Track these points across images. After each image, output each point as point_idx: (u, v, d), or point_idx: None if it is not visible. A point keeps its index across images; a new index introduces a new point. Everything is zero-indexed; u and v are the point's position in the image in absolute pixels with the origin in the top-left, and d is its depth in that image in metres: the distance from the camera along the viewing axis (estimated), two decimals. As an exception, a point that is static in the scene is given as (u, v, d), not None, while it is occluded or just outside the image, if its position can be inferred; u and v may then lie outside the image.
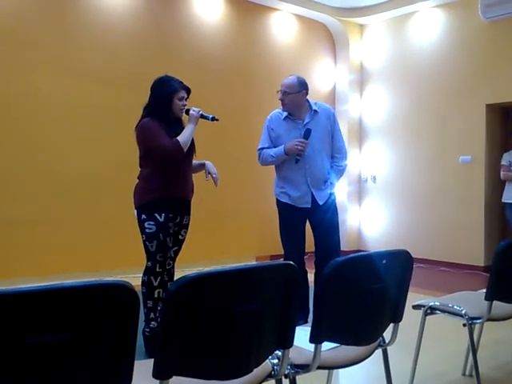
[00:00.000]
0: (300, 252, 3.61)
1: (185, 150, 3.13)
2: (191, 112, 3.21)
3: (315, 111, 3.61)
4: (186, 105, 3.22)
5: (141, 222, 3.17)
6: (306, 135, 3.49)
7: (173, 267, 3.34)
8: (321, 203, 3.56)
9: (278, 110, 3.68)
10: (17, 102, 5.06)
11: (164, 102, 3.17)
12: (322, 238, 3.60)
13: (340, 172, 3.69)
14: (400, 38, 7.18)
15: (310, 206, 3.55)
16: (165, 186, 3.16)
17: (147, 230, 3.14)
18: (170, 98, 3.16)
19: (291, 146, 3.47)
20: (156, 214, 3.13)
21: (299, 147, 3.44)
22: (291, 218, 3.61)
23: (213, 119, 3.27)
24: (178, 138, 3.11)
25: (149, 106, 3.23)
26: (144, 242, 3.17)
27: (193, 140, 3.32)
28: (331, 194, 3.64)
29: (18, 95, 5.07)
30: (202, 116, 3.24)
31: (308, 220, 3.66)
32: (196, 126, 3.22)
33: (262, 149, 3.64)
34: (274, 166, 3.73)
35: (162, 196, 3.16)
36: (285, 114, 3.60)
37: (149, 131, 3.14)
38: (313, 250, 3.70)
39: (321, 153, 3.58)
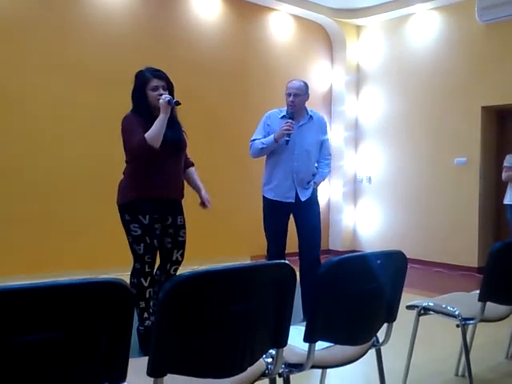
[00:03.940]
0: (282, 247, 3.82)
1: (155, 144, 2.93)
2: (160, 101, 2.97)
3: (311, 116, 3.88)
4: (162, 94, 3.02)
5: (125, 222, 3.08)
6: (290, 116, 3.72)
7: (175, 273, 3.22)
8: (303, 199, 3.80)
9: (276, 110, 3.92)
10: (14, 100, 5.04)
11: (139, 96, 3.08)
12: (304, 236, 3.85)
13: (324, 176, 3.97)
14: (397, 39, 7.19)
15: (293, 201, 3.79)
16: (148, 185, 3.06)
17: (133, 233, 3.05)
18: (143, 89, 3.06)
19: (279, 130, 3.68)
20: (140, 217, 3.03)
21: (286, 127, 3.64)
22: (275, 213, 3.84)
23: (176, 103, 3.03)
24: (146, 133, 2.93)
25: (131, 101, 3.15)
26: (131, 243, 3.09)
27: (183, 137, 3.19)
28: (313, 193, 3.87)
29: (15, 93, 5.05)
30: (168, 102, 2.99)
31: (293, 217, 3.89)
32: (167, 114, 2.97)
33: (254, 140, 3.85)
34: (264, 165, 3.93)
35: (145, 195, 3.05)
36: (282, 113, 3.81)
37: (124, 127, 3.05)
38: (296, 250, 3.87)
39: (309, 154, 3.84)
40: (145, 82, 3.06)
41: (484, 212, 6.41)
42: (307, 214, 3.82)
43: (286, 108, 3.80)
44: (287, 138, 3.66)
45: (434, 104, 6.76)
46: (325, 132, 3.96)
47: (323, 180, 3.98)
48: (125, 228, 3.11)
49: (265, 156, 3.90)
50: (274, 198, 3.81)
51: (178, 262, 3.24)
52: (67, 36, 5.34)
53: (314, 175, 3.87)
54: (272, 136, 3.70)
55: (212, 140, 6.26)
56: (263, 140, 3.76)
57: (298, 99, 3.75)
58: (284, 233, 3.84)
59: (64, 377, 1.25)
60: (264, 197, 3.90)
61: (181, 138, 3.18)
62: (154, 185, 3.07)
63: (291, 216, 3.89)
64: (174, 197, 3.20)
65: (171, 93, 3.11)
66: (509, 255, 2.53)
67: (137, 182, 3.09)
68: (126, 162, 3.18)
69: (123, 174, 3.20)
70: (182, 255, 3.26)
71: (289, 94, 3.76)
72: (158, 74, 3.09)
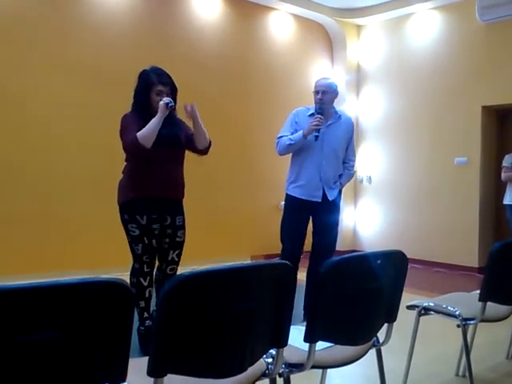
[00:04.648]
0: (298, 248, 3.75)
1: (146, 144, 2.92)
2: (160, 103, 2.99)
3: (340, 116, 3.85)
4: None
5: (124, 222, 3.09)
6: (319, 112, 3.67)
7: (175, 272, 3.23)
8: (331, 199, 3.75)
9: (303, 107, 3.90)
10: (11, 100, 5.04)
11: (141, 97, 3.08)
12: (321, 237, 3.79)
13: (349, 177, 3.95)
14: (397, 39, 7.19)
15: (320, 201, 3.73)
16: (146, 184, 3.05)
17: (131, 233, 3.07)
18: (147, 92, 3.06)
19: (308, 127, 3.64)
20: (138, 217, 3.04)
21: (315, 123, 3.60)
22: (298, 211, 3.77)
23: (170, 107, 3.02)
24: (139, 132, 2.94)
25: (133, 100, 3.15)
26: (130, 243, 3.11)
27: (179, 135, 3.16)
28: (338, 195, 3.84)
29: (16, 93, 5.04)
30: (167, 105, 3.00)
31: (312, 216, 3.81)
32: (163, 116, 2.98)
33: (282, 137, 3.79)
34: (289, 163, 3.88)
35: (144, 194, 3.05)
36: (310, 111, 3.78)
37: (122, 125, 3.05)
38: (307, 249, 3.80)
39: (336, 154, 3.80)
40: (150, 85, 3.06)
41: (484, 212, 6.40)
42: (329, 215, 3.77)
43: (313, 106, 3.77)
44: (316, 134, 3.62)
45: (434, 103, 6.76)
46: (352, 133, 3.94)
47: (348, 182, 3.97)
48: (124, 227, 3.12)
49: (288, 154, 3.86)
50: (300, 197, 3.75)
51: (175, 262, 3.23)
52: (67, 36, 5.34)
53: (340, 176, 3.85)
54: (300, 132, 3.67)
55: (213, 139, 6.24)
56: (291, 136, 3.72)
57: (326, 97, 3.72)
58: (303, 233, 3.77)
59: (64, 377, 1.24)
60: (288, 195, 3.84)
61: (178, 135, 3.15)
62: (152, 184, 3.06)
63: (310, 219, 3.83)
64: (173, 196, 3.19)
65: (174, 97, 3.13)
66: (509, 255, 2.53)
67: (135, 181, 3.09)
68: (126, 160, 3.18)
69: (122, 172, 3.20)
70: (179, 255, 3.24)
71: (317, 92, 3.74)
72: (164, 79, 3.08)
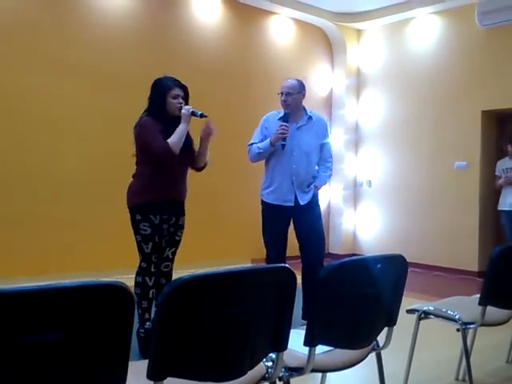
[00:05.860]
0: (281, 252, 3.73)
1: (176, 151, 3.07)
2: (182, 111, 3.14)
3: (310, 117, 3.78)
4: (182, 103, 3.17)
5: (135, 222, 3.14)
6: (284, 119, 3.62)
7: (171, 269, 3.31)
8: (302, 203, 3.69)
9: (274, 111, 3.83)
10: (13, 101, 5.05)
11: (158, 102, 3.16)
12: (304, 242, 3.75)
13: (325, 179, 3.85)
14: (397, 43, 7.21)
15: (292, 205, 3.68)
16: (160, 188, 3.13)
17: (142, 232, 3.12)
18: (164, 97, 3.15)
19: (274, 135, 3.60)
20: (151, 216, 3.11)
21: (280, 131, 3.56)
22: (274, 217, 3.74)
23: (201, 116, 3.16)
24: (169, 139, 3.06)
25: (148, 106, 3.24)
26: (139, 242, 3.16)
27: (191, 141, 3.27)
28: (314, 197, 3.75)
29: (16, 94, 5.05)
30: (192, 113, 3.15)
31: (292, 219, 3.76)
32: (188, 124, 3.15)
33: (252, 144, 3.77)
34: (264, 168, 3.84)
35: (157, 198, 3.13)
36: (280, 114, 3.71)
37: (144, 130, 3.12)
38: (297, 253, 3.80)
39: (308, 156, 3.72)
40: (167, 89, 3.16)
41: (484, 216, 6.40)
42: (307, 218, 3.71)
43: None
44: (283, 142, 3.58)
45: (434, 108, 6.77)
46: (325, 134, 3.83)
47: (324, 184, 3.87)
48: (134, 228, 3.16)
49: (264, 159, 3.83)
50: (273, 202, 3.71)
51: (169, 260, 3.30)
52: (68, 38, 5.35)
53: (314, 178, 3.76)
54: (268, 140, 3.64)
55: (212, 142, 6.25)
56: (259, 145, 3.69)
57: (290, 98, 3.65)
58: (283, 238, 3.73)
59: (64, 380, 1.24)
60: (262, 201, 3.81)
61: (192, 142, 3.28)
62: (164, 187, 3.15)
63: (291, 221, 3.78)
64: (181, 198, 3.29)
65: (187, 101, 3.24)
66: (509, 259, 2.53)
67: (148, 185, 3.15)
68: (139, 163, 3.22)
69: (132, 177, 3.24)
70: (174, 253, 3.32)
71: (281, 94, 3.69)
72: (180, 83, 3.21)
